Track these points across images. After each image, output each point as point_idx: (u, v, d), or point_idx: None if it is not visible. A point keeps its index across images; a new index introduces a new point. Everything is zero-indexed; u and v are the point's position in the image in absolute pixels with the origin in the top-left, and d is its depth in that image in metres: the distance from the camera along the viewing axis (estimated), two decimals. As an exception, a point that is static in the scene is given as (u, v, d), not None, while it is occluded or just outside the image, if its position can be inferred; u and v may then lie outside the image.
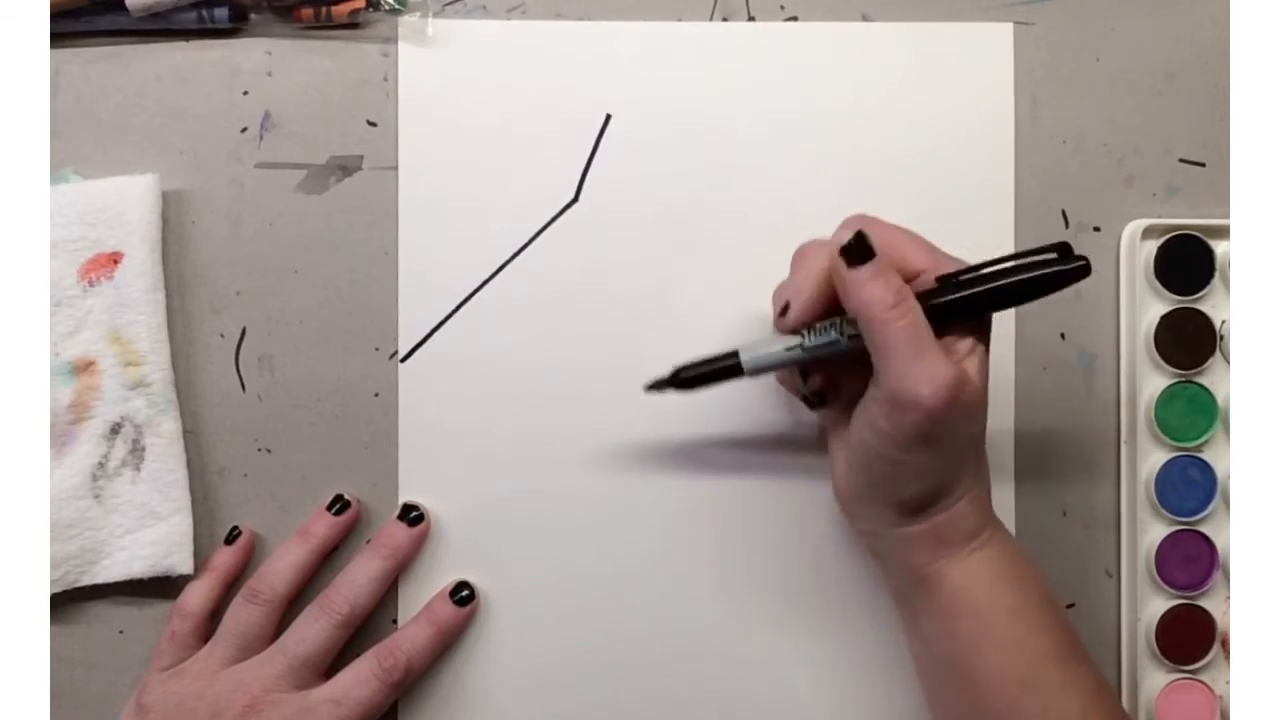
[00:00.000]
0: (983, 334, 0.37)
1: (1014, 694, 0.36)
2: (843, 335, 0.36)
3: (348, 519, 0.44)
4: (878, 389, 0.35)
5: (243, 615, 0.42)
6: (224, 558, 0.44)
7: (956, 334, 0.36)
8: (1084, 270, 0.35)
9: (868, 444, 0.36)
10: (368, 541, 0.44)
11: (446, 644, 0.44)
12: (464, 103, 0.45)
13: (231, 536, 0.44)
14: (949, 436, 0.35)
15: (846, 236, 0.35)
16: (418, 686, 0.44)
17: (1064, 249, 0.35)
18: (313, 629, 0.41)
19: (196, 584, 0.43)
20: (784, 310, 0.37)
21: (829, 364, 0.38)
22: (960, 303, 0.35)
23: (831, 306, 0.37)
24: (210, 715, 0.40)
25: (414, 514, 0.44)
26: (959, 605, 0.37)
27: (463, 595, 0.44)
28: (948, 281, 0.36)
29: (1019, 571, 0.38)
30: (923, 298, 0.35)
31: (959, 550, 0.37)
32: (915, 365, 0.33)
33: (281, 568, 0.43)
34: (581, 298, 0.45)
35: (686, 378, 0.39)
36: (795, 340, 0.37)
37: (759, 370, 0.38)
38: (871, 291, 0.34)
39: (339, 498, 0.44)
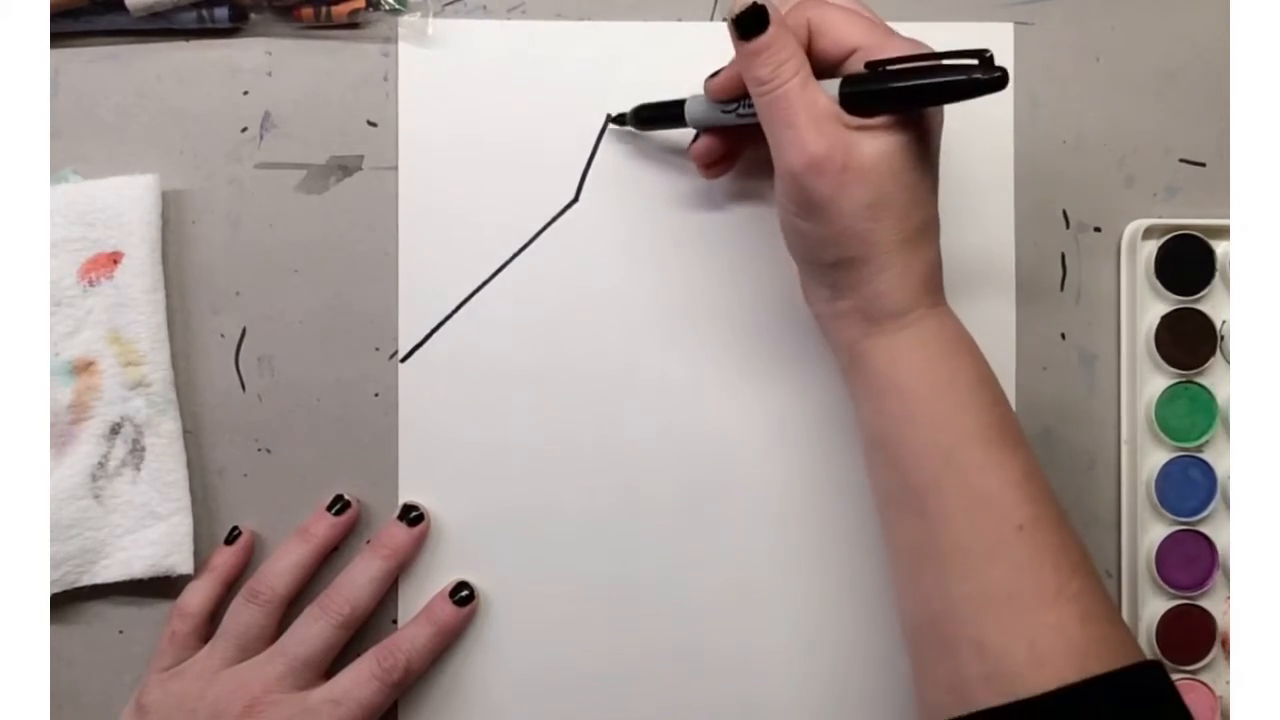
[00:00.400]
0: (912, 119, 0.36)
1: (934, 470, 0.35)
2: None
3: (348, 519, 0.44)
4: None
5: (243, 615, 0.42)
6: (224, 558, 0.44)
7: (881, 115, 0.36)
8: (1001, 81, 0.35)
9: (779, 216, 0.38)
10: (368, 541, 0.44)
11: (446, 644, 0.44)
12: (464, 103, 0.45)
13: (231, 536, 0.44)
14: (829, 204, 0.35)
15: (742, 5, 0.35)
16: (418, 686, 0.44)
17: (984, 58, 0.35)
18: (313, 629, 0.41)
19: (196, 584, 0.43)
20: (716, 73, 0.39)
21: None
22: (877, 94, 0.35)
23: None
24: (210, 716, 0.40)
25: (414, 514, 0.44)
26: (885, 382, 0.37)
27: (463, 595, 0.44)
28: (875, 70, 0.36)
29: (952, 352, 0.37)
30: (845, 82, 0.36)
31: (886, 327, 0.37)
32: (785, 135, 0.35)
33: (281, 568, 0.43)
34: (582, 298, 0.45)
35: (642, 116, 0.43)
36: (733, 105, 0.39)
37: (698, 123, 0.41)
38: (751, 67, 0.35)
39: (339, 498, 0.44)
